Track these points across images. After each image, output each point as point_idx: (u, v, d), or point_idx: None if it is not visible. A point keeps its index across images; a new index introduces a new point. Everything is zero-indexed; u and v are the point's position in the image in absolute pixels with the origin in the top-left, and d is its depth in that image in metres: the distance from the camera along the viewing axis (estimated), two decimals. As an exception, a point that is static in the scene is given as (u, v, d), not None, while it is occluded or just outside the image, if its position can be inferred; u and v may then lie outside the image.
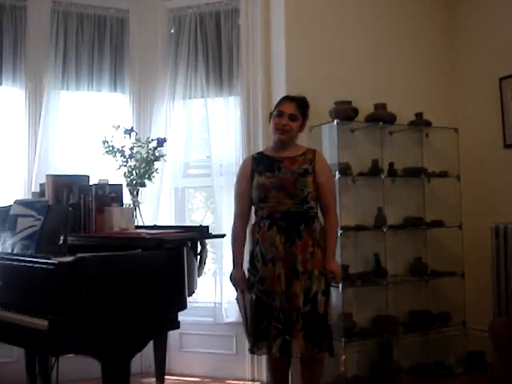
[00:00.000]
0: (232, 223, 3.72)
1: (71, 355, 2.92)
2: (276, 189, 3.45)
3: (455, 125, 5.02)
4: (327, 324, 3.46)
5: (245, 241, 3.64)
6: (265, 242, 3.47)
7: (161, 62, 5.00)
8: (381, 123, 4.66)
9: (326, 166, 3.62)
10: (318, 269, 3.44)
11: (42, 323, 2.54)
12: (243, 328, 3.62)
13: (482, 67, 5.06)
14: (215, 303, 4.77)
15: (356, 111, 4.59)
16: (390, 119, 4.73)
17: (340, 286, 4.28)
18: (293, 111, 3.53)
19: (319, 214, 3.60)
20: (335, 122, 4.42)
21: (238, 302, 3.62)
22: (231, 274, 3.66)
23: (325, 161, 3.63)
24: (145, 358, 4.66)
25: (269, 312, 3.42)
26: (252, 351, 3.55)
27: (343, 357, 4.30)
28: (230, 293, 4.67)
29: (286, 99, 3.63)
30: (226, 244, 4.66)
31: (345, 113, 4.52)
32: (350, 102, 4.58)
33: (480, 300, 4.82)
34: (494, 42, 4.95)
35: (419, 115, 4.88)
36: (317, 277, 3.43)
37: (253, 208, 3.64)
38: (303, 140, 3.78)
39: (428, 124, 4.91)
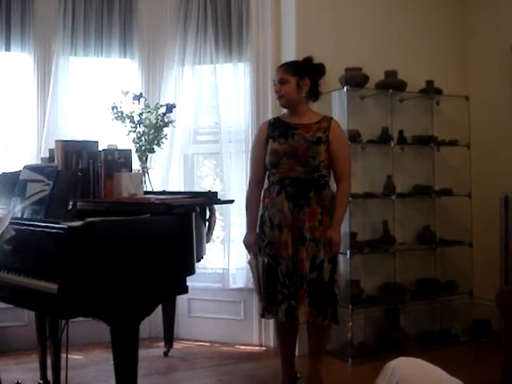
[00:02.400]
0: (247, 187, 3.74)
1: (81, 319, 2.95)
2: (288, 155, 3.45)
3: (466, 93, 4.98)
4: (333, 292, 3.46)
5: (259, 205, 3.64)
6: (273, 208, 3.48)
7: (170, 28, 4.95)
8: (391, 90, 4.63)
9: (341, 134, 3.60)
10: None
11: (52, 286, 2.56)
12: (255, 292, 3.65)
13: (493, 34, 5.00)
14: (223, 269, 4.80)
15: (366, 78, 4.56)
16: (401, 86, 4.69)
17: (348, 252, 4.30)
18: (281, 75, 3.54)
19: (331, 183, 3.58)
20: (345, 88, 4.39)
21: (250, 266, 3.64)
22: (245, 237, 3.67)
23: (340, 129, 3.60)
24: (154, 323, 4.71)
25: (276, 276, 3.45)
26: (262, 315, 3.58)
27: (350, 323, 4.33)
28: (238, 259, 4.74)
29: (277, 68, 3.68)
30: (235, 211, 4.70)
31: (355, 79, 4.49)
32: (360, 69, 4.54)
33: (487, 269, 4.83)
34: (506, 8, 4.88)
35: (430, 83, 4.84)
36: (324, 243, 3.43)
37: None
38: (313, 106, 3.75)
39: (439, 92, 4.87)
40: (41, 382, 3.63)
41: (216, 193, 3.88)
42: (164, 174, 4.83)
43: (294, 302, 3.39)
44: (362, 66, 4.55)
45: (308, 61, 3.61)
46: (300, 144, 3.45)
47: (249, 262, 3.67)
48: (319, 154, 3.43)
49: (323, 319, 3.42)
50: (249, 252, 3.66)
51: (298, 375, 3.70)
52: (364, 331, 4.65)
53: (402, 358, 1.77)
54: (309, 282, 3.39)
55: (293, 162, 3.44)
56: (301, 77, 3.52)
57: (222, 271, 4.83)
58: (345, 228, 4.14)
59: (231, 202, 4.14)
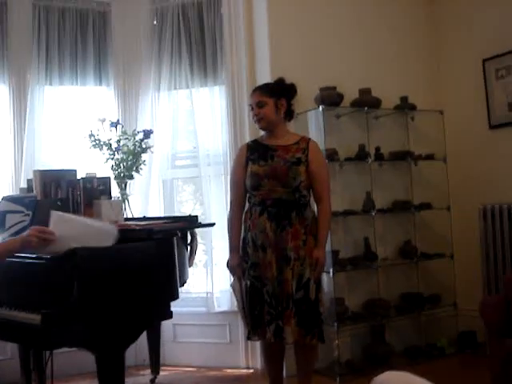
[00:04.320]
0: (228, 210, 3.75)
1: (66, 349, 2.93)
2: (269, 177, 3.47)
3: (440, 107, 5.04)
4: (318, 311, 3.47)
5: (241, 227, 3.64)
6: (255, 229, 3.50)
7: (144, 54, 4.97)
8: (366, 108, 4.67)
9: (319, 154, 3.64)
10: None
11: (35, 317, 2.55)
12: (240, 314, 3.64)
13: (465, 49, 5.07)
14: (207, 293, 4.78)
15: (341, 97, 4.61)
16: (375, 104, 4.74)
17: (331, 270, 4.31)
18: (258, 98, 3.57)
19: (312, 202, 3.61)
20: (320, 108, 4.43)
21: (233, 289, 3.63)
22: (228, 260, 3.67)
23: (318, 149, 3.64)
24: (139, 350, 4.67)
25: (261, 298, 3.44)
26: (248, 337, 3.58)
27: (336, 342, 4.33)
28: (222, 282, 4.72)
29: (252, 91, 3.70)
30: (216, 234, 4.71)
31: (330, 98, 4.53)
32: (334, 88, 4.58)
33: (470, 280, 4.86)
34: (477, 23, 4.96)
35: (404, 99, 4.90)
36: (309, 264, 3.44)
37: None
38: (289, 126, 3.78)
39: (413, 107, 4.93)
40: (27, 415, 3.59)
41: (196, 217, 3.89)
42: (144, 200, 4.82)
43: (281, 322, 3.39)
44: (336, 84, 4.59)
45: (280, 82, 3.66)
46: (280, 165, 3.47)
47: (232, 285, 3.67)
48: (299, 174, 3.46)
49: (311, 338, 3.42)
50: (232, 275, 3.65)
51: (287, 396, 3.69)
52: (350, 348, 4.64)
53: (389, 372, 1.77)
54: (295, 302, 3.39)
55: (274, 183, 3.45)
56: (277, 98, 3.55)
57: (205, 295, 4.80)
58: (327, 246, 4.15)
59: (212, 225, 4.14)
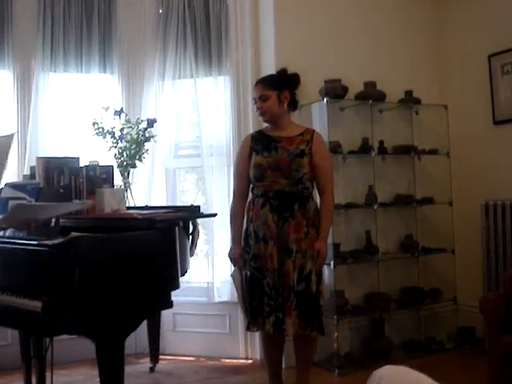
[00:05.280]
0: (231, 201, 3.76)
1: (66, 337, 2.93)
2: (272, 168, 3.47)
3: (445, 102, 5.04)
4: (318, 303, 3.48)
5: (243, 218, 3.66)
6: (258, 220, 3.51)
7: (149, 42, 4.96)
8: (370, 101, 4.66)
9: (323, 147, 3.63)
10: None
11: (36, 305, 2.55)
12: (240, 305, 3.64)
13: (471, 44, 5.06)
14: (208, 283, 4.79)
15: (346, 89, 4.60)
16: (380, 97, 4.73)
17: (332, 263, 4.31)
18: (261, 92, 3.57)
19: (315, 195, 3.61)
20: (325, 100, 4.42)
21: (233, 279, 3.64)
22: (230, 250, 3.68)
23: (322, 142, 3.64)
24: (139, 339, 4.68)
25: (261, 289, 3.46)
26: (248, 328, 3.60)
27: (336, 334, 4.34)
28: (223, 273, 4.73)
29: (255, 84, 3.70)
30: (218, 225, 4.71)
31: (334, 91, 4.52)
32: (339, 81, 4.57)
33: (470, 276, 4.87)
34: (483, 19, 4.95)
35: (409, 93, 4.89)
36: (311, 256, 3.45)
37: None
38: (293, 118, 3.77)
39: (417, 101, 4.92)
40: (26, 401, 3.60)
41: (199, 206, 3.88)
42: (147, 189, 4.82)
43: (281, 314, 3.40)
44: (341, 77, 4.58)
45: (283, 73, 3.64)
46: (284, 157, 3.47)
47: (232, 275, 3.67)
48: (302, 166, 3.45)
49: (311, 330, 3.43)
50: (234, 265, 3.66)
51: (286, 387, 3.71)
52: (350, 341, 4.66)
53: (388, 366, 1.78)
54: (296, 294, 3.40)
55: (277, 174, 3.45)
56: (280, 90, 3.54)
57: (206, 285, 4.81)
58: (328, 239, 4.15)
59: (214, 215, 4.14)
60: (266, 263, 3.45)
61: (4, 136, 2.95)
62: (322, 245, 3.48)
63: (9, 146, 2.92)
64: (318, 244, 3.47)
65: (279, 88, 3.55)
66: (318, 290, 3.47)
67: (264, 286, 3.45)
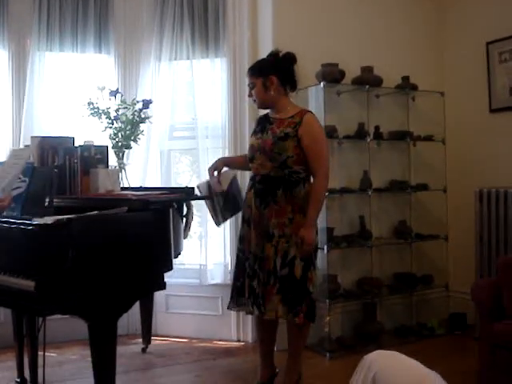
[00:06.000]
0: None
1: (58, 316, 2.94)
2: (260, 151, 3.47)
3: (441, 89, 5.03)
4: (305, 289, 3.42)
5: (241, 158, 3.83)
6: (245, 203, 3.57)
7: (146, 23, 4.93)
8: (367, 86, 4.65)
9: (313, 129, 3.47)
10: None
11: (29, 284, 2.55)
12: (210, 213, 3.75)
13: (469, 31, 5.05)
14: (201, 265, 4.80)
15: (343, 74, 4.58)
16: (377, 82, 4.72)
17: (325, 247, 4.32)
18: (248, 80, 3.58)
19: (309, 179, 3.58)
20: (322, 84, 4.41)
21: (199, 190, 3.71)
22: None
23: (312, 124, 3.48)
24: (131, 319, 4.70)
25: (244, 270, 3.52)
26: (228, 307, 3.66)
27: (327, 318, 4.36)
28: (216, 255, 4.75)
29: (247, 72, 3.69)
30: (212, 207, 4.69)
31: (331, 75, 4.51)
32: (336, 65, 4.56)
33: (462, 263, 4.89)
34: (482, 6, 4.93)
35: (406, 78, 4.87)
36: (295, 243, 3.40)
37: None
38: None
39: (414, 87, 4.91)
40: (18, 380, 3.61)
41: (193, 188, 3.87)
42: (141, 171, 4.81)
43: (262, 297, 3.41)
44: (338, 61, 4.56)
45: (272, 56, 3.61)
46: (269, 139, 3.45)
47: (198, 186, 3.74)
48: (285, 149, 3.39)
49: (294, 316, 3.40)
50: (211, 167, 3.70)
51: (277, 370, 3.72)
52: (341, 325, 4.68)
53: (379, 351, 1.79)
54: (280, 279, 3.40)
55: (263, 157, 3.46)
56: (265, 76, 3.49)
57: (199, 267, 4.82)
58: (322, 223, 4.17)
59: (208, 197, 4.14)
60: (248, 246, 3.50)
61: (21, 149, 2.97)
62: (306, 232, 3.37)
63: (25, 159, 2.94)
64: (302, 231, 3.38)
65: (265, 74, 3.49)
66: (306, 277, 3.41)
67: (246, 268, 3.49)
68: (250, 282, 3.47)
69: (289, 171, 3.42)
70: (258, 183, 3.48)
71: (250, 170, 3.64)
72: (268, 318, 3.44)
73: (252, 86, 3.54)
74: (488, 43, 4.82)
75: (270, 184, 3.43)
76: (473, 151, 4.99)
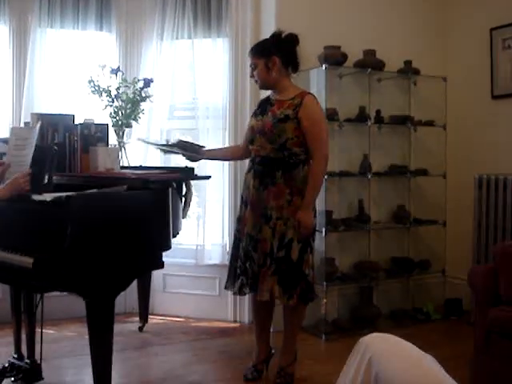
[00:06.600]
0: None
1: (56, 293, 2.95)
2: (260, 132, 3.46)
3: (444, 74, 5.00)
4: (301, 272, 3.43)
5: (231, 149, 4.12)
6: (244, 184, 3.59)
7: (148, 2, 4.89)
8: (369, 70, 4.63)
9: (313, 110, 3.44)
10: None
11: (28, 260, 2.55)
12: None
13: (473, 17, 5.02)
14: (198, 245, 4.81)
15: (345, 57, 4.56)
16: (379, 66, 4.70)
17: (323, 230, 4.33)
18: (251, 60, 3.55)
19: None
20: (323, 66, 4.39)
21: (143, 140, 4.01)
22: None
23: (313, 105, 3.45)
24: (129, 298, 4.71)
25: (238, 252, 3.54)
26: (225, 287, 3.69)
27: (324, 300, 4.38)
28: (214, 235, 4.76)
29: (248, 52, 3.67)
30: (211, 188, 4.72)
31: (333, 58, 4.49)
32: (339, 47, 4.54)
33: (460, 249, 4.90)
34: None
35: (408, 63, 4.85)
36: (293, 224, 3.41)
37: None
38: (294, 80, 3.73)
39: (416, 72, 4.89)
40: (15, 356, 3.61)
41: (193, 169, 3.87)
42: (141, 150, 4.80)
43: (245, 278, 3.45)
44: (340, 44, 4.54)
45: (275, 37, 3.56)
46: (268, 121, 3.44)
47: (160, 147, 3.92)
48: (285, 131, 3.37)
49: (288, 298, 3.41)
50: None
51: (273, 351, 3.74)
52: (338, 308, 4.70)
53: (375, 333, 1.80)
54: (276, 261, 3.40)
55: (263, 139, 3.44)
56: (268, 57, 3.46)
57: (197, 247, 4.83)
58: (320, 206, 4.17)
59: (208, 177, 4.14)
60: (244, 227, 3.50)
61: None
62: (304, 214, 3.37)
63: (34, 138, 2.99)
64: (299, 214, 3.38)
65: (267, 55, 3.46)
66: (302, 259, 3.42)
67: (240, 249, 3.51)
68: (240, 264, 3.49)
69: (288, 153, 3.41)
70: (257, 164, 3.48)
71: (229, 160, 3.80)
72: (262, 299, 3.44)
73: (254, 67, 3.51)
74: (492, 29, 4.80)
75: (269, 165, 3.43)
76: (473, 137, 4.99)
